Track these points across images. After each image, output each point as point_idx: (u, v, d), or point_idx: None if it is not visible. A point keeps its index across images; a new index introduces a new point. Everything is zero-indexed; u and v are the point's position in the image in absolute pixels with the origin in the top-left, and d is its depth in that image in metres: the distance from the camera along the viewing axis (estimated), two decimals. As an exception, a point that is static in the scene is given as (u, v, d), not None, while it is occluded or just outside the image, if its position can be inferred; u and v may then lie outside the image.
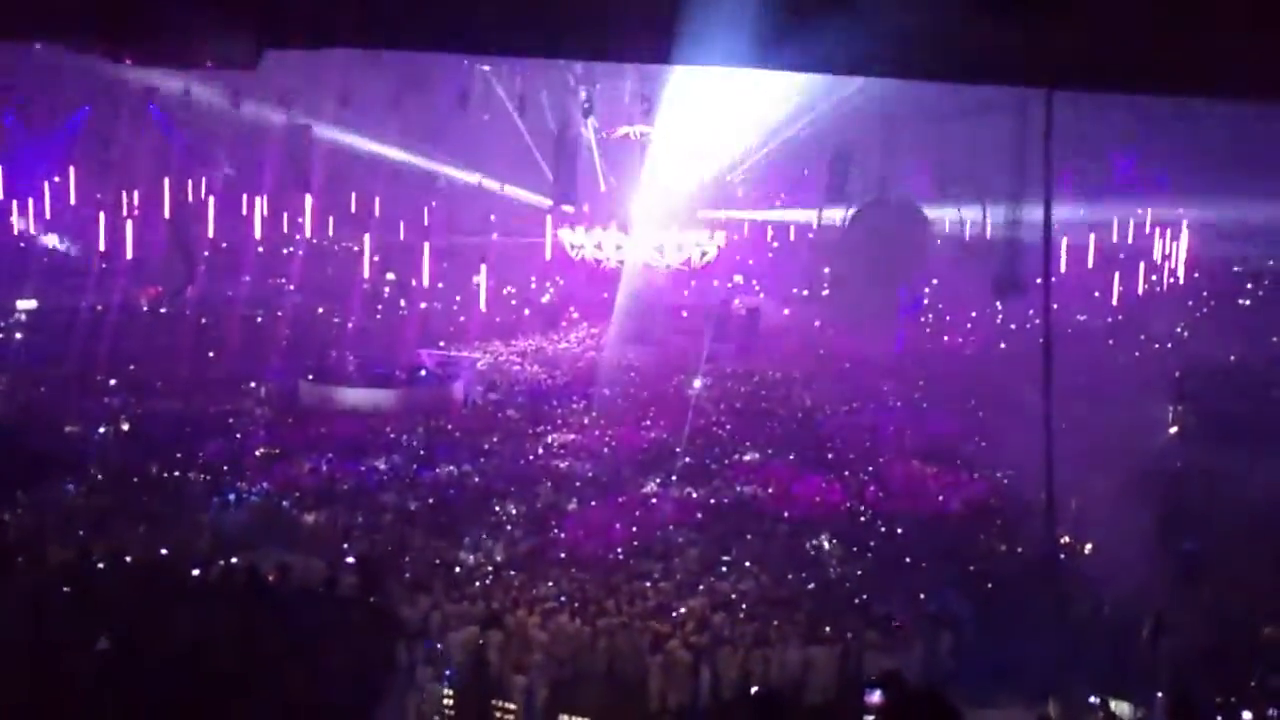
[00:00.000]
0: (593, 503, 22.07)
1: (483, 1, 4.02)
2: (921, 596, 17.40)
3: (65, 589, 13.94)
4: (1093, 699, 13.83)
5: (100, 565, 15.21)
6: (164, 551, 17.06)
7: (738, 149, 39.17)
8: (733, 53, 4.30)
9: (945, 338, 42.36)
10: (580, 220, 37.50)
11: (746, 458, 26.45)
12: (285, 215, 42.16)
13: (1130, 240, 40.66)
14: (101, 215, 38.74)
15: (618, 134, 35.32)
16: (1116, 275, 40.08)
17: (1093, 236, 39.17)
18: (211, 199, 39.75)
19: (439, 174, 43.75)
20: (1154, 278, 41.63)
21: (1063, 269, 36.27)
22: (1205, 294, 41.03)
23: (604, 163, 39.46)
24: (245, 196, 41.26)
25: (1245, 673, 14.45)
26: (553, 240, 40.55)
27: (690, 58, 4.21)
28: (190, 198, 40.33)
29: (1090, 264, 39.42)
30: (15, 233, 38.20)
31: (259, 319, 39.27)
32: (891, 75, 4.87)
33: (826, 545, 20.15)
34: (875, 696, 11.27)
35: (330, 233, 43.34)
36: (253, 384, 31.08)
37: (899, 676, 14.05)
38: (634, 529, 20.53)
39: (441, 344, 37.09)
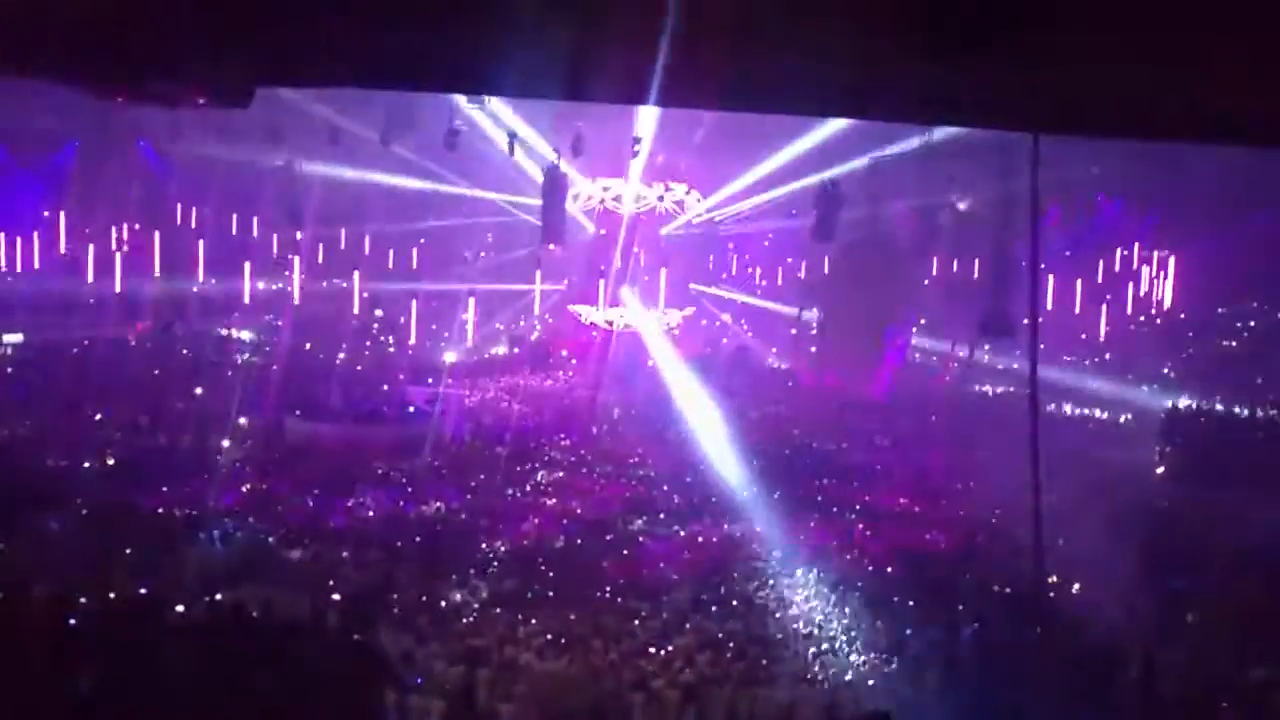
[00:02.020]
0: (579, 541, 22.02)
1: (468, 42, 4.07)
2: (909, 633, 17.38)
3: (47, 625, 13.82)
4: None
5: (84, 601, 15.09)
6: (149, 588, 16.94)
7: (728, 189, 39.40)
8: (714, 95, 4.35)
9: (932, 377, 42.47)
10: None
11: (735, 497, 26.41)
12: (274, 243, 42.13)
13: (1116, 281, 40.82)
14: (90, 249, 38.70)
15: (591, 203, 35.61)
16: (1103, 316, 40.22)
17: (1080, 281, 39.38)
18: (201, 242, 39.65)
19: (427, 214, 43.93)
20: (1141, 318, 41.75)
21: (1049, 307, 36.42)
22: (1191, 334, 41.16)
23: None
24: (235, 228, 41.35)
25: (1232, 714, 14.43)
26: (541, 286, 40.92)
27: (672, 100, 4.26)
28: (180, 232, 40.29)
29: (1077, 304, 39.59)
30: (2, 266, 38.15)
31: (247, 355, 39.18)
32: (880, 118, 4.94)
33: (813, 583, 20.13)
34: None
35: (319, 261, 43.21)
36: (240, 420, 30.98)
37: (887, 717, 14.02)
38: (621, 567, 20.49)
39: (429, 380, 37.03)
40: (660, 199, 35.26)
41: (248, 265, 39.51)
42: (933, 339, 41.48)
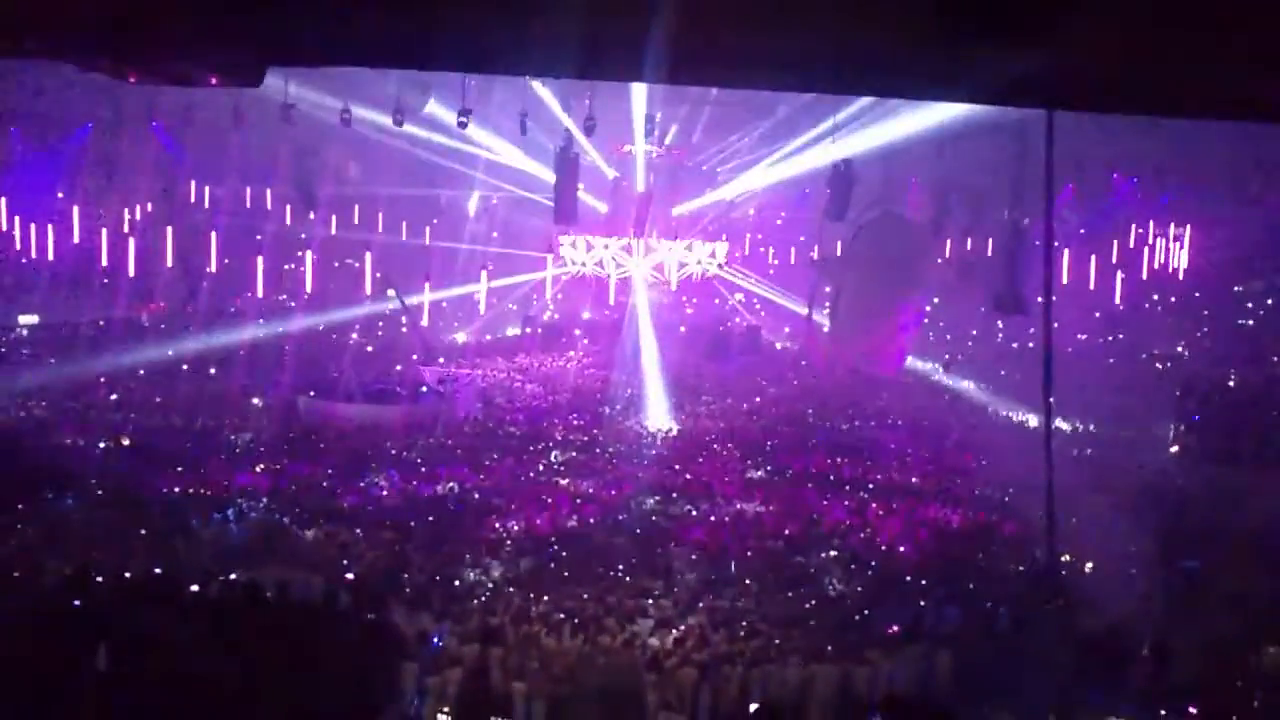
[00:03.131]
0: (592, 520, 22.05)
1: (482, 21, 4.05)
2: (922, 612, 17.38)
3: (63, 604, 13.91)
4: (1093, 718, 13.80)
5: (99, 580, 15.18)
6: (163, 568, 17.02)
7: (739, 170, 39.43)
8: (723, 72, 4.33)
9: (946, 355, 42.40)
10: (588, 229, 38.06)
11: (748, 475, 26.48)
12: (288, 223, 42.14)
13: (1130, 258, 40.63)
14: (104, 231, 38.76)
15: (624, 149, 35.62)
16: (1117, 293, 40.08)
17: (1094, 257, 39.22)
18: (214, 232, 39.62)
19: (440, 193, 43.99)
20: (1155, 296, 41.63)
21: (1065, 282, 36.31)
22: (1206, 313, 41.03)
23: (607, 184, 39.64)
24: (248, 208, 41.39)
25: (1247, 693, 14.41)
26: (554, 262, 40.86)
27: (677, 77, 4.25)
28: (193, 212, 40.28)
29: (1091, 282, 39.46)
30: (17, 247, 38.24)
31: (260, 335, 39.32)
32: (890, 95, 4.91)
33: (826, 562, 20.16)
34: (876, 720, 11.25)
35: (332, 231, 43.15)
36: (254, 400, 31.12)
37: (901, 699, 14.03)
38: (634, 546, 20.52)
39: (441, 360, 37.13)
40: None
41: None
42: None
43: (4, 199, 37.12)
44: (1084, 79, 4.32)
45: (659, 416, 33.48)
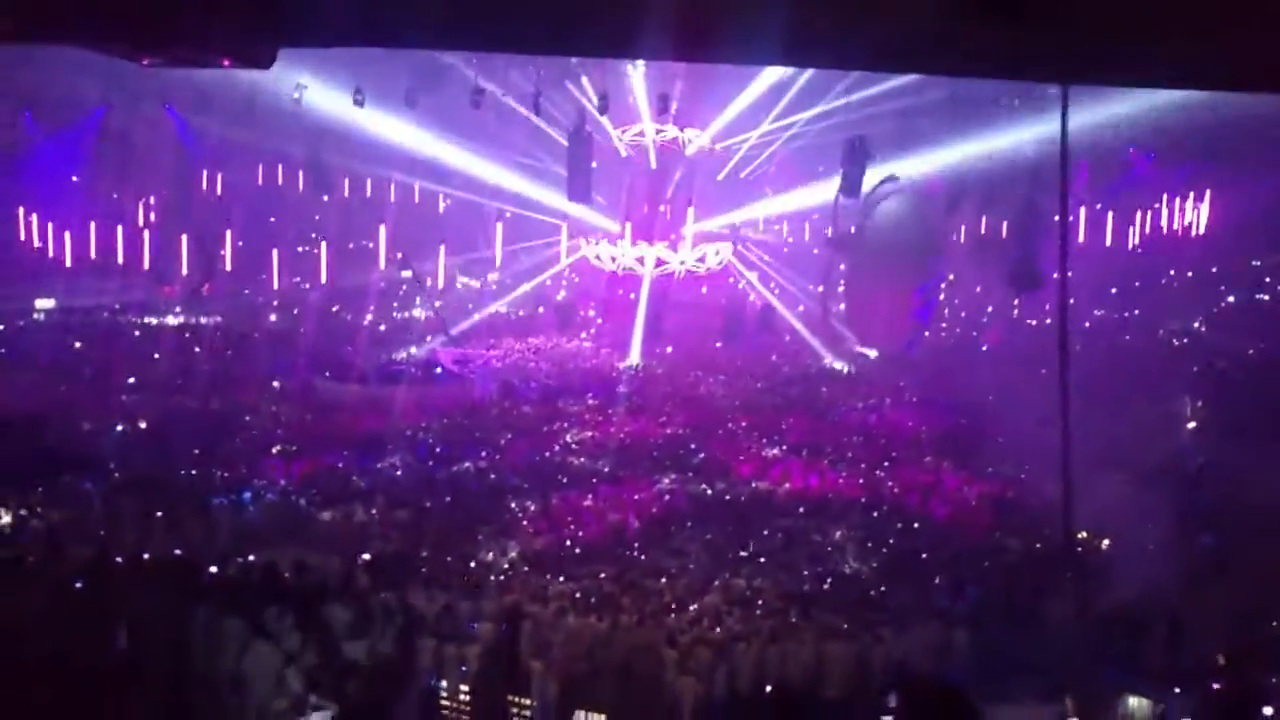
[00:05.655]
0: (607, 499, 22.06)
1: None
2: (937, 589, 17.37)
3: (83, 587, 14.00)
4: (1110, 695, 13.80)
5: (119, 561, 15.28)
6: (182, 550, 17.12)
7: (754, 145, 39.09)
8: (747, 50, 4.30)
9: (959, 330, 42.26)
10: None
11: (764, 454, 26.45)
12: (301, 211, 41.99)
13: (1148, 234, 40.35)
14: (119, 227, 38.66)
15: (631, 133, 35.38)
16: (1133, 269, 39.84)
17: (1110, 223, 38.88)
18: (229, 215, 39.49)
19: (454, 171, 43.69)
20: (1171, 272, 41.35)
21: (1080, 250, 36.03)
22: (1223, 288, 40.75)
23: (618, 163, 39.37)
24: (262, 194, 41.21)
25: (1265, 668, 14.38)
26: (569, 245, 40.69)
27: (704, 55, 4.23)
28: (207, 197, 40.17)
29: (1107, 257, 39.19)
30: (34, 232, 38.25)
31: (275, 317, 39.35)
32: (906, 72, 4.88)
33: (842, 540, 20.16)
34: (892, 699, 11.24)
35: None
36: (273, 382, 31.16)
37: (917, 677, 14.04)
38: (650, 525, 20.55)
39: (455, 333, 37.18)
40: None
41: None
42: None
43: (19, 188, 37.03)
44: (1096, 53, 4.28)
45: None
